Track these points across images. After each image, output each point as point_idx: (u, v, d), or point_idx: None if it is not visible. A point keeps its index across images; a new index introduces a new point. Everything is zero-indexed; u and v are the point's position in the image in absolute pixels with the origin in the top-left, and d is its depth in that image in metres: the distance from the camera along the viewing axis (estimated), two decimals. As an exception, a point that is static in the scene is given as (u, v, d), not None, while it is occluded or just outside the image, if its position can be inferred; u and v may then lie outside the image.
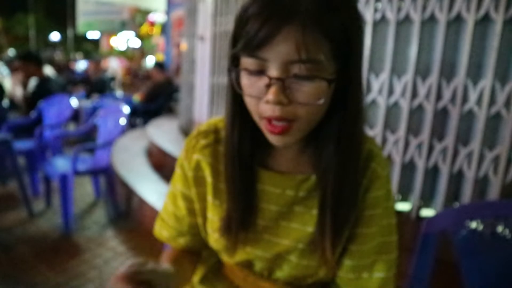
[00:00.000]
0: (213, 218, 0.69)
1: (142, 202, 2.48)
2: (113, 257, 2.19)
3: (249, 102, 0.56)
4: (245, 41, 0.52)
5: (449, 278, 1.12)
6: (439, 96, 1.63)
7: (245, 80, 0.55)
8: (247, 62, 0.54)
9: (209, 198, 0.69)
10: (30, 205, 2.70)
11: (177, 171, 0.72)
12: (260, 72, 0.53)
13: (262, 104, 0.54)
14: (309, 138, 0.60)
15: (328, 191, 0.60)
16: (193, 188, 0.70)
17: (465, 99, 1.57)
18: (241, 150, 0.62)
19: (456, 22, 1.58)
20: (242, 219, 0.64)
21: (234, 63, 0.57)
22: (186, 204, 0.72)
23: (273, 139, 0.56)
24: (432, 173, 1.71)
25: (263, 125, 0.56)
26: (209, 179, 0.68)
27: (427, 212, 1.71)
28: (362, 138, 0.62)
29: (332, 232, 0.61)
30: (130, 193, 2.69)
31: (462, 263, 0.97)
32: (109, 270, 2.04)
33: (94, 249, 2.26)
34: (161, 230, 0.77)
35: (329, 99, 0.54)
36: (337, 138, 0.58)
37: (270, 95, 0.52)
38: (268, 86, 0.52)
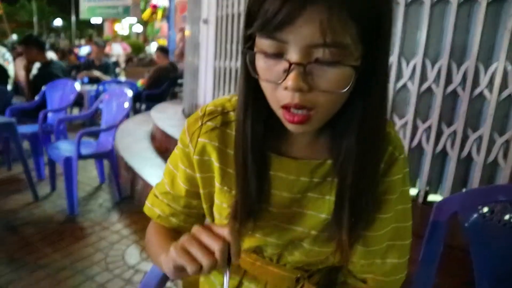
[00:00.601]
0: (221, 204, 0.66)
1: (147, 186, 2.48)
2: (118, 240, 2.20)
3: (265, 87, 0.52)
4: (263, 21, 0.46)
5: (458, 263, 1.11)
6: (448, 80, 1.60)
7: (261, 64, 0.50)
8: (264, 43, 0.48)
9: (217, 183, 0.65)
10: (35, 188, 2.72)
11: (180, 150, 0.68)
12: (279, 55, 0.48)
13: (280, 90, 0.49)
14: (325, 123, 0.56)
15: (347, 181, 0.56)
16: (198, 172, 0.66)
17: (475, 82, 1.53)
18: (253, 136, 0.58)
19: (468, 3, 1.54)
20: (254, 207, 0.61)
21: (249, 44, 0.52)
22: (187, 185, 0.68)
23: (291, 127, 0.52)
24: (440, 158, 1.69)
25: (280, 113, 0.52)
26: (216, 164, 0.64)
27: (434, 198, 1.70)
28: (385, 127, 0.58)
29: (349, 222, 0.58)
30: (134, 177, 2.70)
31: (472, 249, 0.96)
32: (114, 253, 2.05)
33: (99, 232, 2.28)
34: (153, 208, 0.73)
35: (353, 86, 0.49)
36: (360, 127, 0.54)
37: (289, 81, 0.46)
38: (287, 71, 0.47)
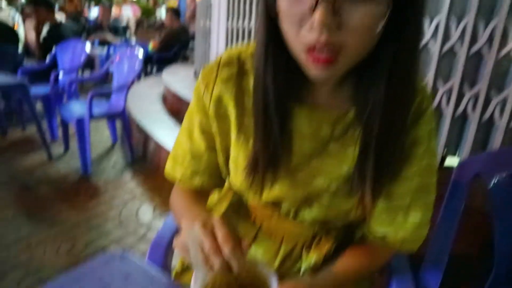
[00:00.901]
0: (238, 156, 0.64)
1: (159, 146, 2.48)
2: (131, 198, 2.23)
3: (288, 29, 0.48)
4: None
5: (476, 225, 1.09)
6: (473, 39, 1.51)
7: (284, 2, 0.46)
8: None
9: (233, 134, 0.63)
10: (49, 148, 2.75)
11: (194, 103, 0.65)
12: None
13: (304, 31, 0.45)
14: (349, 70, 0.52)
15: (373, 132, 0.53)
16: (214, 123, 0.64)
17: (503, 42, 1.45)
18: (275, 85, 0.54)
19: (500, -46, 1.43)
20: (272, 158, 0.59)
21: None
22: (205, 139, 0.66)
23: (315, 71, 0.48)
24: (460, 121, 1.63)
25: (303, 57, 0.48)
26: (233, 114, 0.62)
27: (451, 161, 1.66)
28: (417, 76, 0.54)
29: (373, 177, 0.55)
30: (146, 137, 2.70)
31: (494, 212, 0.93)
32: (128, 211, 2.09)
33: (112, 191, 2.31)
34: (174, 170, 0.71)
35: (384, 27, 0.45)
36: (390, 74, 0.50)
37: (317, 16, 0.43)
38: (313, 7, 0.43)
